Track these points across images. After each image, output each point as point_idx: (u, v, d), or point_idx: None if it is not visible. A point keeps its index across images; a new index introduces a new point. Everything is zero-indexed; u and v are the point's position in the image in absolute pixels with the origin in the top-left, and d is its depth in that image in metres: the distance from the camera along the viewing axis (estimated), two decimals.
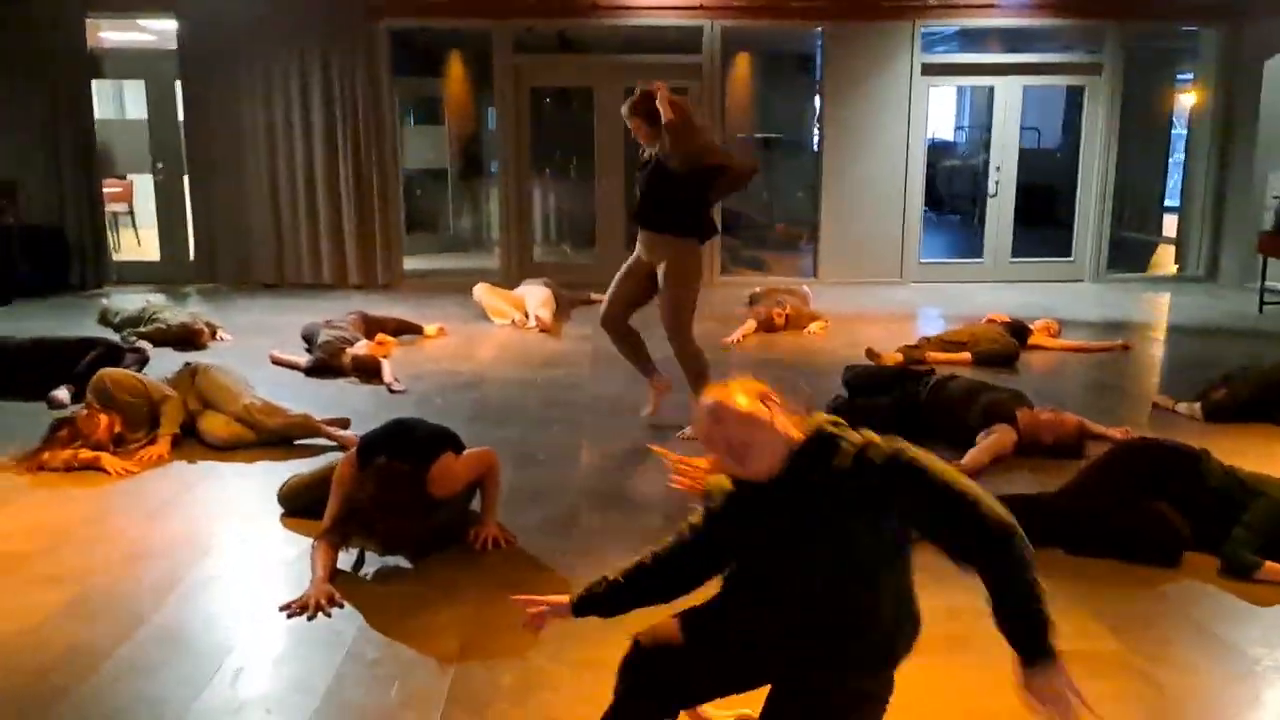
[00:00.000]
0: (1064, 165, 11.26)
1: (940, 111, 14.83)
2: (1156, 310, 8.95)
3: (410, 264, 10.11)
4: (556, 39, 10.50)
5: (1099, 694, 2.06)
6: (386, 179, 9.49)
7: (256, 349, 6.63)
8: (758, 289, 8.53)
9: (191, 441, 4.72)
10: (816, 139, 10.30)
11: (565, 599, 2.20)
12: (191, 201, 9.57)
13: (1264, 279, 8.68)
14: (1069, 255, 10.36)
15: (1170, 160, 13.51)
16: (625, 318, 5.13)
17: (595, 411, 5.40)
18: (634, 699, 2.06)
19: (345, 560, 3.39)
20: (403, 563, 3.44)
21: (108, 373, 4.81)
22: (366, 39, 9.18)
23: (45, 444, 4.42)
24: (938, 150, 13.85)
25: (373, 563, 3.43)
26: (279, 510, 3.90)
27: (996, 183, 10.26)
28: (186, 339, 6.88)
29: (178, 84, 9.37)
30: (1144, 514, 3.50)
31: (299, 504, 3.86)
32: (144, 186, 12.15)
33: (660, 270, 4.88)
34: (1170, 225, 12.08)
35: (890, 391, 5.04)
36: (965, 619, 2.59)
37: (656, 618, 2.11)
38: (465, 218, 13.25)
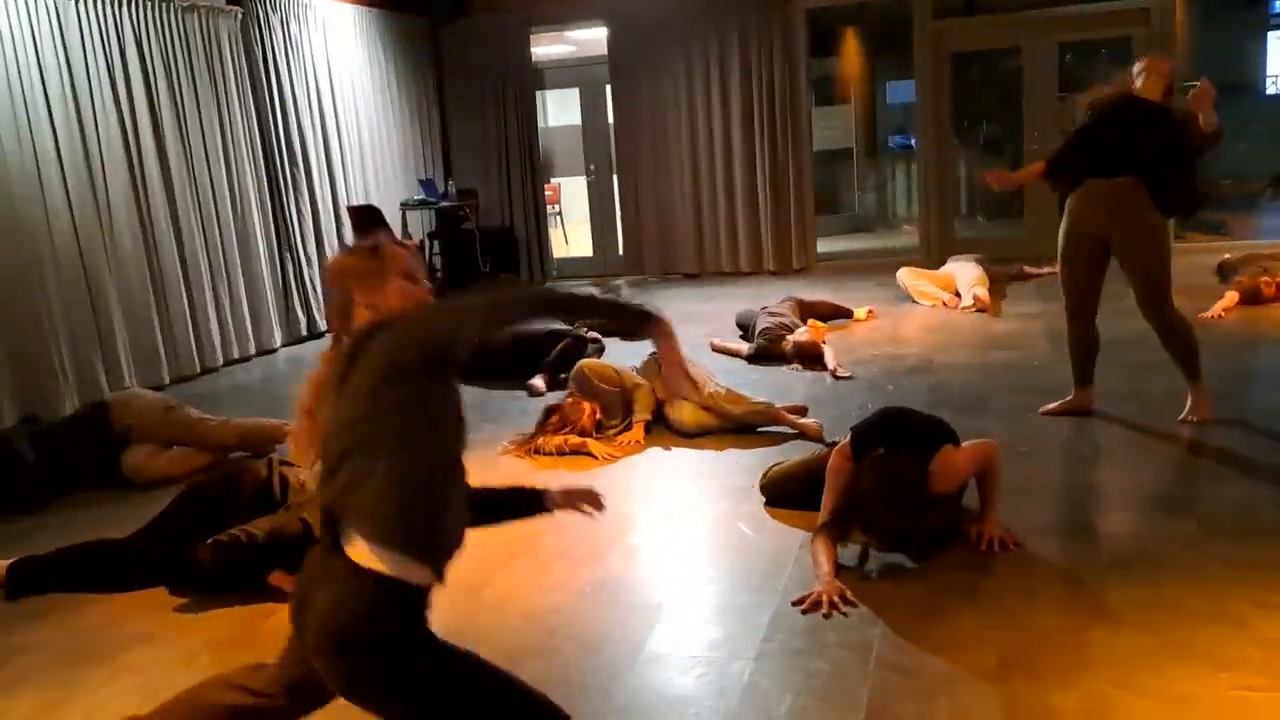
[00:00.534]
0: None
1: None
2: None
3: (821, 246, 9.99)
4: (964, 2, 9.89)
5: None
6: (801, 161, 9.43)
7: (691, 337, 6.76)
8: (1227, 255, 7.44)
9: (659, 428, 4.89)
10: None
11: None
12: (620, 199, 10.13)
13: None
14: None
15: None
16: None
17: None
18: None
19: (847, 555, 3.26)
20: (906, 561, 3.26)
21: (587, 364, 5.08)
22: (783, 20, 9.19)
23: (539, 429, 4.76)
24: None
25: (874, 559, 3.27)
26: (757, 496, 3.89)
27: None
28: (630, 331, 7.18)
29: (608, 89, 9.95)
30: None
31: (780, 492, 3.82)
32: (569, 188, 13.21)
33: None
34: None
35: None
36: None
37: None
38: (869, 196, 12.94)
